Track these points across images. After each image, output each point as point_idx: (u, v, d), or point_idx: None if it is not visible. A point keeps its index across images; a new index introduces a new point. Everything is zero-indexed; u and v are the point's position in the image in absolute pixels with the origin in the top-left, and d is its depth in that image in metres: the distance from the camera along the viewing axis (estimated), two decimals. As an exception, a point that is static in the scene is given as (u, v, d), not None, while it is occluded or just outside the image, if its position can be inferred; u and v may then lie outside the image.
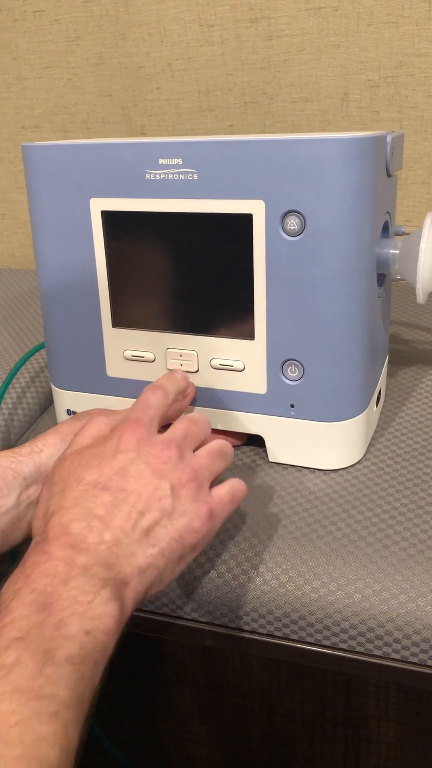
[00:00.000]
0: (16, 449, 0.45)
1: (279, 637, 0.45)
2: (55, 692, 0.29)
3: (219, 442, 0.44)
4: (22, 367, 0.70)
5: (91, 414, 0.48)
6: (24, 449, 0.45)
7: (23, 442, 0.61)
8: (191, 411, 0.53)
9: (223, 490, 0.42)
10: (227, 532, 0.48)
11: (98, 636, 0.32)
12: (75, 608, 0.32)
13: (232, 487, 0.42)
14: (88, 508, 0.37)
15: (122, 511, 0.37)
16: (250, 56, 0.89)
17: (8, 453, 0.45)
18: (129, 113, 0.99)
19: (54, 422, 0.64)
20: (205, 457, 0.42)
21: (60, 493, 0.38)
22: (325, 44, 0.85)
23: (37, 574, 0.33)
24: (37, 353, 0.72)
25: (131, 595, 0.35)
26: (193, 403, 0.54)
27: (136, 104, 0.98)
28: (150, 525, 0.37)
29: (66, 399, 0.59)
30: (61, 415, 0.60)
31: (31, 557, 0.35)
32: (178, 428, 0.42)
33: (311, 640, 0.45)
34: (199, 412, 0.46)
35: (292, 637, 0.45)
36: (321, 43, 0.85)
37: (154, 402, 0.44)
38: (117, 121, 1.00)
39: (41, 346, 0.69)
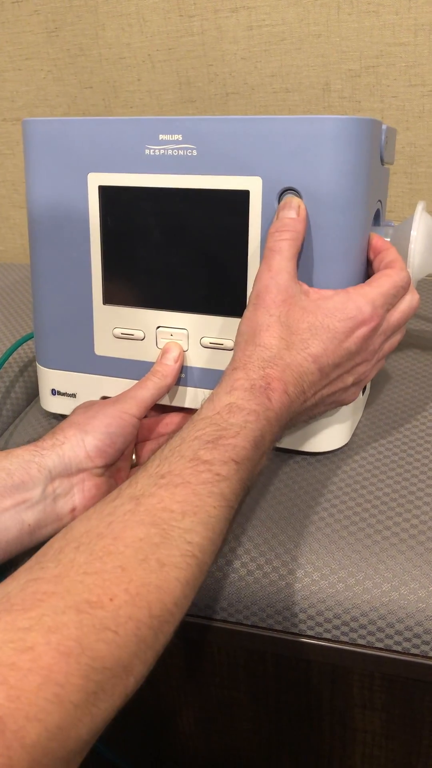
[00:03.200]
0: (38, 443, 0.45)
1: (263, 628, 0.45)
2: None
3: (411, 308, 0.47)
4: (10, 359, 0.69)
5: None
6: (46, 442, 0.45)
7: (10, 434, 0.62)
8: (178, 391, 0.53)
9: (395, 341, 0.49)
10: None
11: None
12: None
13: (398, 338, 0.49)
14: (301, 380, 0.42)
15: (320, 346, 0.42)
16: (230, 46, 0.89)
17: (30, 447, 0.45)
18: (110, 105, 0.98)
19: (39, 413, 0.63)
20: (397, 319, 0.47)
21: (286, 342, 0.41)
22: (306, 34, 0.85)
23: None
24: (25, 344, 0.71)
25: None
26: (183, 382, 0.53)
27: (117, 96, 0.97)
28: (343, 361, 0.44)
29: (52, 378, 0.58)
30: (46, 395, 0.58)
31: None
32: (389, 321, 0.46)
33: (295, 630, 0.44)
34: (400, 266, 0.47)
35: (276, 628, 0.44)
36: (302, 32, 0.85)
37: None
38: (98, 113, 0.99)
39: (27, 338, 0.68)
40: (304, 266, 0.47)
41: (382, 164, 0.51)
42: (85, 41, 0.95)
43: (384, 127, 0.50)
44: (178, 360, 0.51)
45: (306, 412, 0.43)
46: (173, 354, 0.51)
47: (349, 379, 0.44)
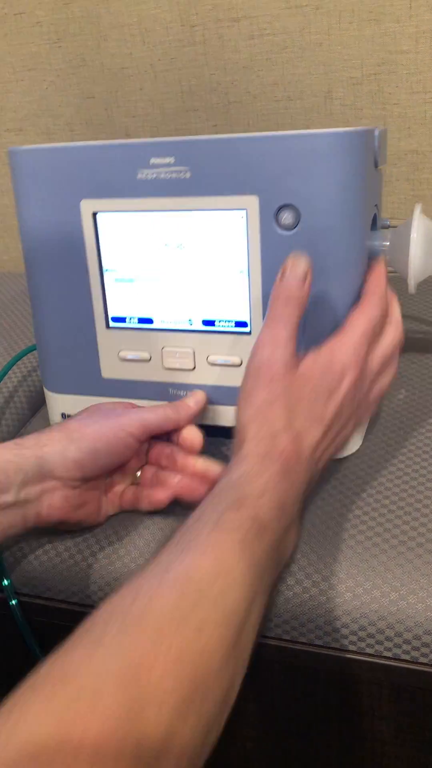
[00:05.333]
0: (20, 440, 0.45)
1: (271, 638, 0.46)
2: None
3: (396, 339, 0.48)
4: (11, 370, 0.70)
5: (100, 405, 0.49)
6: (28, 441, 0.44)
7: None
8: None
9: (386, 382, 0.49)
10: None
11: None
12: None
13: (389, 378, 0.49)
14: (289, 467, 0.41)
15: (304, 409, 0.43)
16: (232, 56, 0.90)
17: (11, 445, 0.44)
18: (113, 114, 0.99)
19: (45, 423, 0.63)
20: (386, 358, 0.47)
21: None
22: (308, 42, 0.86)
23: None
24: (24, 357, 0.72)
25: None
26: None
27: (120, 105, 0.98)
28: (332, 418, 0.44)
29: (61, 403, 0.58)
30: (56, 419, 0.60)
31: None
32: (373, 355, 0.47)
33: (303, 639, 0.45)
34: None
35: (284, 637, 0.45)
36: (303, 41, 0.86)
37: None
38: (101, 123, 1.00)
39: (30, 350, 0.69)
40: None
41: (376, 168, 0.52)
42: (87, 52, 0.96)
43: (376, 132, 0.50)
44: (198, 404, 0.51)
45: (318, 472, 0.44)
46: (196, 398, 0.52)
47: (350, 427, 0.45)
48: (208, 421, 0.55)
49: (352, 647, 0.44)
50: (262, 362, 0.43)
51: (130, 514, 0.51)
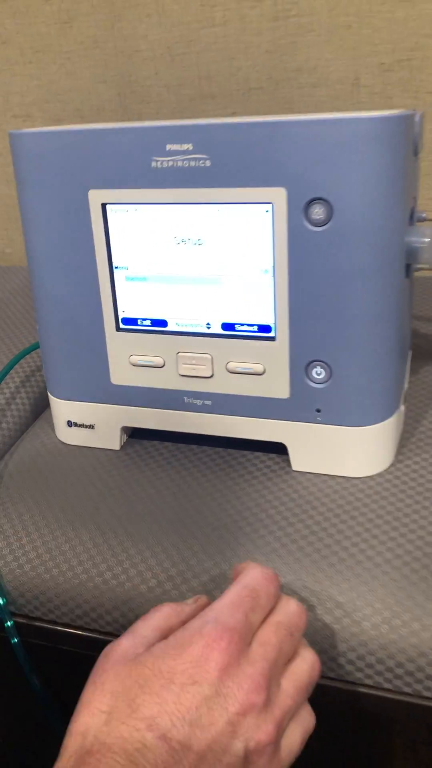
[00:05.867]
0: None
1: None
2: None
3: (310, 671, 0.36)
4: (13, 369, 0.68)
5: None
6: None
7: (16, 449, 0.60)
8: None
9: (296, 736, 0.34)
10: (232, 551, 0.45)
11: None
12: None
13: (305, 727, 0.35)
14: (135, 761, 0.29)
15: None
16: (254, 39, 0.87)
17: None
18: (125, 100, 0.96)
19: (50, 429, 0.61)
20: (292, 696, 0.34)
21: (106, 715, 0.31)
22: (335, 25, 0.83)
23: None
24: (27, 355, 0.70)
25: None
26: (210, 409, 0.52)
27: (133, 91, 0.95)
28: None
29: (66, 410, 0.56)
30: (61, 427, 0.57)
31: None
32: (270, 645, 0.34)
33: (332, 674, 0.42)
34: (298, 606, 0.37)
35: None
36: (331, 24, 0.83)
37: (263, 598, 0.35)
38: (113, 109, 0.97)
39: (33, 348, 0.67)
40: (338, 283, 0.45)
41: (415, 156, 0.49)
42: (99, 33, 0.93)
43: (417, 117, 0.47)
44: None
45: None
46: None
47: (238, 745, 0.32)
48: (226, 433, 0.52)
49: (387, 685, 0.41)
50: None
51: (143, 531, 0.48)
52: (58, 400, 0.56)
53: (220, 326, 0.50)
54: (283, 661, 0.35)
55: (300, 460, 0.52)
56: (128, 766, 0.29)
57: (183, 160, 0.45)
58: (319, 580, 0.43)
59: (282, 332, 0.48)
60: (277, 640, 0.34)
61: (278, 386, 0.49)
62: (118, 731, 0.30)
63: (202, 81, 0.91)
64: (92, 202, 0.48)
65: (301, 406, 0.49)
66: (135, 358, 0.52)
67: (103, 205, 0.48)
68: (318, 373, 0.48)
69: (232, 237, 0.47)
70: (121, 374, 0.53)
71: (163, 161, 0.46)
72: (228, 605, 0.34)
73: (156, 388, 0.52)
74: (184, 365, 0.51)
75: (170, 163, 0.46)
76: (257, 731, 0.31)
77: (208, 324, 0.50)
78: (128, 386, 0.53)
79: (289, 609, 0.36)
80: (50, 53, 0.97)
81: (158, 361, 0.52)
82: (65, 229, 0.50)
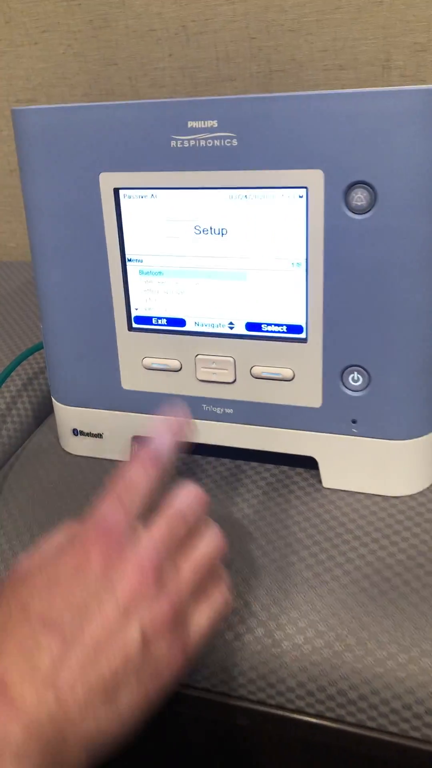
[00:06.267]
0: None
1: (311, 715, 0.39)
2: None
3: (208, 548, 0.36)
4: (15, 371, 0.65)
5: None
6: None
7: (17, 458, 0.57)
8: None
9: (205, 616, 0.35)
10: (257, 581, 0.41)
11: None
12: None
13: (214, 608, 0.35)
14: (31, 655, 0.30)
15: (74, 663, 0.30)
16: (277, 17, 0.82)
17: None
18: (137, 84, 0.92)
19: (53, 438, 0.57)
20: (190, 578, 0.35)
21: (2, 624, 0.32)
22: (365, 2, 0.78)
23: None
24: (31, 357, 0.67)
25: None
26: (231, 418, 0.49)
27: (146, 74, 0.91)
28: (109, 685, 0.31)
29: (72, 417, 0.53)
30: (66, 436, 0.55)
31: None
32: (159, 531, 0.35)
33: (351, 720, 0.38)
34: (193, 490, 0.37)
35: (327, 716, 0.38)
36: (359, 0, 0.78)
37: (137, 483, 0.36)
38: (123, 93, 0.93)
39: (36, 348, 0.64)
40: (380, 279, 0.41)
41: None
42: (110, 11, 0.89)
43: None
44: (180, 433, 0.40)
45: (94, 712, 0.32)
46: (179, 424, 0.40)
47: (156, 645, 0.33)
48: (249, 446, 0.49)
49: (414, 734, 0.37)
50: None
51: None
52: (63, 406, 0.53)
53: (244, 326, 0.46)
54: (176, 545, 0.35)
55: (332, 477, 0.48)
56: (22, 663, 0.30)
57: (206, 139, 0.42)
58: (357, 616, 0.39)
59: (315, 333, 0.44)
60: (167, 525, 0.35)
61: (309, 394, 0.46)
62: (11, 634, 0.31)
63: (220, 63, 0.87)
64: (103, 187, 0.45)
65: (335, 416, 0.46)
66: (148, 361, 0.49)
67: (116, 191, 0.45)
68: (355, 379, 0.45)
69: (261, 226, 0.43)
70: (132, 378, 0.50)
71: (183, 140, 0.43)
72: (105, 502, 0.35)
73: (171, 395, 0.49)
74: (204, 369, 0.48)
75: (192, 143, 0.42)
76: (151, 614, 0.32)
77: (231, 323, 0.47)
78: (140, 392, 0.50)
79: (182, 494, 0.37)
80: (57, 33, 0.93)
81: (174, 364, 0.48)
82: (73, 218, 0.47)
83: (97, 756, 0.31)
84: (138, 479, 0.36)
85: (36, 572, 0.33)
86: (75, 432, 0.54)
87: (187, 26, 0.87)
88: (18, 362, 0.63)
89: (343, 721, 0.38)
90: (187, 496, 0.37)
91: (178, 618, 0.33)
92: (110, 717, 0.31)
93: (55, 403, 0.54)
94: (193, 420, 0.49)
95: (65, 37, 0.93)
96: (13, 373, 0.65)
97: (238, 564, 0.42)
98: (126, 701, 0.31)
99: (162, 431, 0.39)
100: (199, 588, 0.35)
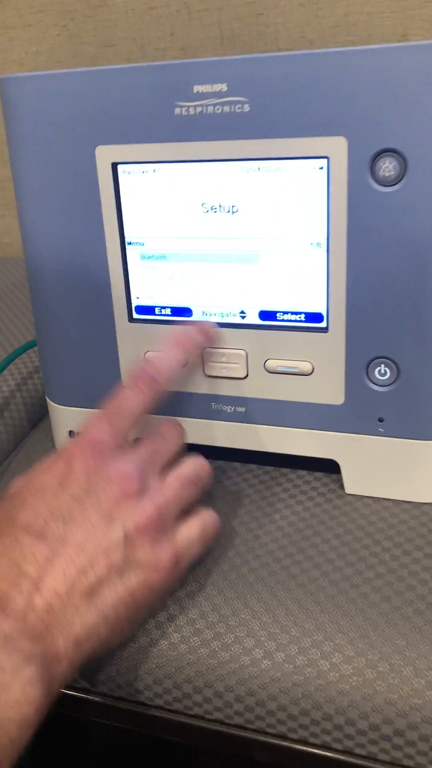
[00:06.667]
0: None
1: (338, 751, 0.35)
2: None
3: (193, 465, 0.39)
4: (7, 369, 0.63)
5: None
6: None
7: (10, 464, 0.55)
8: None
9: (193, 527, 0.37)
10: (277, 601, 0.37)
11: (10, 729, 0.28)
12: None
13: (203, 521, 0.38)
14: (17, 562, 0.32)
15: (58, 567, 0.32)
16: (287, 3, 0.79)
17: None
18: (137, 66, 0.89)
19: (48, 441, 0.55)
20: (175, 487, 0.37)
21: None
22: (379, -27, 0.75)
23: None
24: (24, 354, 0.65)
25: (62, 672, 0.31)
26: (242, 418, 0.46)
27: (145, 55, 0.88)
28: (93, 585, 0.33)
29: (67, 418, 0.51)
30: (61, 437, 0.52)
31: None
32: (144, 448, 0.38)
33: (385, 758, 0.34)
34: (171, 421, 0.41)
35: (357, 752, 0.35)
36: (373, -28, 0.75)
37: (128, 404, 0.39)
38: (122, 77, 0.90)
39: (29, 345, 0.62)
40: (411, 259, 0.38)
41: None
42: (107, -11, 0.86)
43: None
44: (208, 339, 0.44)
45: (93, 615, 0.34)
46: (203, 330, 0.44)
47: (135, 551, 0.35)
48: (263, 448, 0.46)
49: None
50: None
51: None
52: (59, 406, 0.51)
53: (257, 315, 0.43)
54: (160, 459, 0.38)
55: (356, 482, 0.45)
56: (12, 568, 0.32)
57: (215, 104, 0.39)
58: (390, 639, 0.35)
59: (337, 322, 0.41)
60: (151, 443, 0.38)
61: (331, 390, 0.43)
62: (1, 543, 0.33)
63: (225, 42, 0.84)
64: (100, 162, 0.42)
65: (359, 414, 0.43)
66: (151, 355, 0.46)
67: (114, 165, 0.42)
68: (381, 373, 0.41)
69: (276, 202, 0.40)
70: None
71: (189, 107, 0.39)
72: (93, 419, 0.37)
73: (177, 393, 0.46)
74: (212, 364, 0.45)
75: (198, 110, 0.39)
76: (135, 514, 0.34)
77: (242, 312, 0.43)
78: None
79: (166, 423, 0.41)
80: (52, 13, 0.90)
81: None
82: (66, 197, 0.44)
83: (88, 653, 0.32)
84: (131, 401, 0.38)
85: (23, 486, 0.36)
86: (71, 434, 0.51)
87: (189, 3, 0.84)
88: (9, 361, 0.60)
89: (374, 759, 0.35)
90: (169, 428, 0.40)
91: (164, 521, 0.35)
92: (95, 616, 0.32)
93: (50, 404, 0.51)
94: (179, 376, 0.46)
95: (61, 17, 0.90)
96: (5, 372, 0.62)
97: (252, 581, 0.39)
98: (110, 601, 0.33)
99: (168, 347, 0.41)
100: (185, 496, 0.37)
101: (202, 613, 0.38)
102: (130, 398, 0.38)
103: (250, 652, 0.36)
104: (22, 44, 0.93)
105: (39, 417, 0.61)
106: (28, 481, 0.36)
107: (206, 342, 0.43)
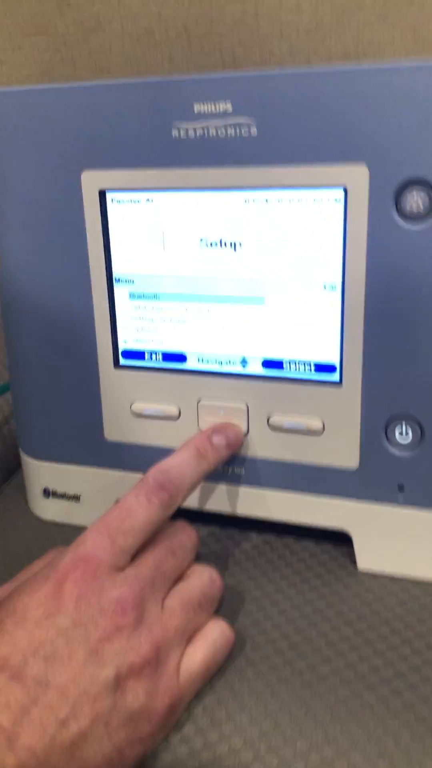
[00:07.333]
0: None
1: None
2: None
3: (201, 582, 0.36)
4: None
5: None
6: None
7: None
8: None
9: (198, 656, 0.33)
10: (278, 703, 0.32)
11: None
12: None
13: (212, 646, 0.34)
14: None
15: (36, 718, 0.28)
16: (292, 18, 0.79)
17: None
18: (132, 92, 0.88)
19: (21, 499, 0.52)
20: (178, 615, 0.33)
21: None
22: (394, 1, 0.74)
23: None
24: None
25: None
26: (239, 480, 0.43)
27: (142, 81, 0.87)
28: (75, 739, 0.29)
29: (43, 474, 0.48)
30: (36, 496, 0.49)
31: None
32: (145, 566, 0.34)
33: None
34: (183, 527, 0.38)
35: None
36: None
37: (135, 519, 0.35)
38: (117, 103, 0.89)
39: (2, 390, 0.59)
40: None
41: None
42: (103, 10, 0.85)
43: None
44: (229, 446, 0.41)
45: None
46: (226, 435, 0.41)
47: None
48: (263, 516, 0.43)
49: None
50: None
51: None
52: (33, 460, 0.48)
53: (260, 364, 0.41)
54: (164, 581, 0.34)
55: (370, 557, 0.41)
56: None
57: (217, 126, 0.36)
58: (418, 759, 0.30)
59: (352, 374, 0.38)
60: (155, 559, 0.35)
61: (343, 452, 0.40)
62: None
63: (227, 67, 0.84)
64: (86, 189, 0.40)
65: (376, 480, 0.40)
66: (139, 407, 0.43)
67: (102, 193, 0.40)
68: (403, 434, 0.38)
69: (285, 238, 0.38)
70: (118, 428, 0.45)
71: (188, 129, 0.37)
72: (92, 532, 0.34)
73: (167, 448, 0.43)
74: (208, 418, 0.42)
75: (199, 132, 0.37)
76: (128, 654, 0.31)
77: (244, 360, 0.41)
78: (128, 444, 0.45)
79: (175, 529, 0.37)
80: (44, 37, 0.90)
81: (171, 411, 0.43)
82: (48, 227, 0.41)
83: None
84: (138, 515, 0.35)
85: (4, 606, 0.32)
86: (46, 492, 0.48)
87: (189, 28, 0.84)
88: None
89: None
90: (183, 531, 0.37)
91: (161, 659, 0.32)
92: None
93: (24, 457, 0.48)
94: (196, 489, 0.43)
95: (53, 41, 0.90)
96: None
97: (251, 677, 0.34)
98: (94, 760, 0.29)
99: (185, 454, 0.38)
100: (191, 625, 0.34)
101: (191, 716, 0.33)
102: (136, 510, 0.35)
103: (248, 767, 0.31)
104: (12, 68, 0.92)
105: (10, 471, 0.57)
106: (10, 602, 0.32)
107: (227, 450, 0.40)
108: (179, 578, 0.35)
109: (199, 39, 0.83)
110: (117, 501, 0.35)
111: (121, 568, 0.33)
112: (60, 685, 0.29)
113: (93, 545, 0.33)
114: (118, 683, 0.30)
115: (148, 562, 0.34)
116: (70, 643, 0.30)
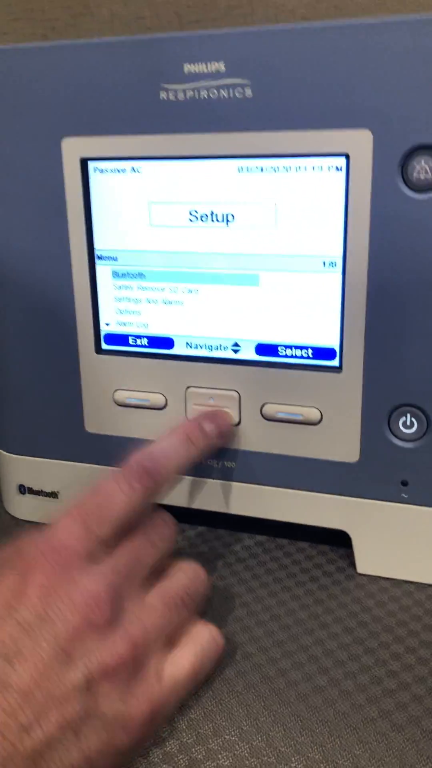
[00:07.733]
0: None
1: None
2: None
3: (185, 577, 0.34)
4: None
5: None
6: None
7: None
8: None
9: (183, 662, 0.31)
10: (272, 718, 0.30)
11: None
12: None
13: (199, 650, 0.32)
14: None
15: None
16: (286, 2, 0.78)
17: None
18: (122, 81, 0.87)
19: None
20: (159, 610, 0.32)
21: None
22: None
23: None
24: None
25: None
26: (229, 475, 0.42)
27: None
28: (39, 748, 0.26)
29: (19, 470, 0.47)
30: (11, 494, 0.48)
31: None
32: (123, 557, 0.32)
33: None
34: (160, 514, 0.35)
35: None
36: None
37: (112, 504, 0.33)
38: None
39: None
40: None
41: None
42: (92, -4, 0.84)
43: None
44: (221, 435, 0.40)
45: None
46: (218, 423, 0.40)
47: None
48: (256, 514, 0.42)
49: None
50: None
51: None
52: (7, 454, 0.47)
53: (254, 349, 0.40)
54: (142, 572, 0.33)
55: (371, 559, 0.40)
56: None
57: (209, 87, 0.35)
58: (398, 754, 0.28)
59: (352, 359, 0.37)
60: (133, 550, 0.33)
61: (343, 444, 0.39)
62: None
63: None
64: (66, 157, 0.39)
65: (378, 475, 0.39)
66: (122, 395, 0.43)
67: (83, 162, 0.39)
68: (407, 424, 0.38)
69: (281, 211, 0.36)
70: (100, 419, 0.44)
71: (177, 91, 0.36)
72: (66, 518, 0.32)
73: (152, 441, 0.41)
74: (197, 407, 0.41)
75: (189, 94, 0.36)
76: (101, 653, 0.29)
77: (236, 345, 0.40)
78: (110, 436, 0.44)
79: (154, 518, 0.35)
80: (31, 22, 0.90)
81: (157, 399, 0.42)
82: (25, 199, 0.40)
83: None
84: (116, 500, 0.33)
85: None
86: (22, 489, 0.47)
87: (181, 13, 0.83)
88: None
89: None
90: (164, 522, 0.36)
91: (140, 661, 0.30)
92: None
93: (1, 453, 0.47)
94: (182, 477, 0.42)
95: (40, 26, 0.90)
96: None
97: (241, 689, 0.32)
98: None
99: (171, 438, 0.36)
100: (173, 625, 0.32)
101: (175, 731, 0.31)
102: (116, 496, 0.33)
103: (237, 789, 0.29)
104: (-3, 54, 0.91)
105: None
106: None
107: (218, 438, 0.39)
108: (160, 573, 0.34)
109: (191, 25, 0.82)
110: (95, 484, 0.33)
111: (95, 559, 0.31)
112: (22, 686, 0.27)
113: (66, 533, 0.31)
114: (89, 686, 0.28)
115: (127, 553, 0.32)
116: (35, 640, 0.28)
